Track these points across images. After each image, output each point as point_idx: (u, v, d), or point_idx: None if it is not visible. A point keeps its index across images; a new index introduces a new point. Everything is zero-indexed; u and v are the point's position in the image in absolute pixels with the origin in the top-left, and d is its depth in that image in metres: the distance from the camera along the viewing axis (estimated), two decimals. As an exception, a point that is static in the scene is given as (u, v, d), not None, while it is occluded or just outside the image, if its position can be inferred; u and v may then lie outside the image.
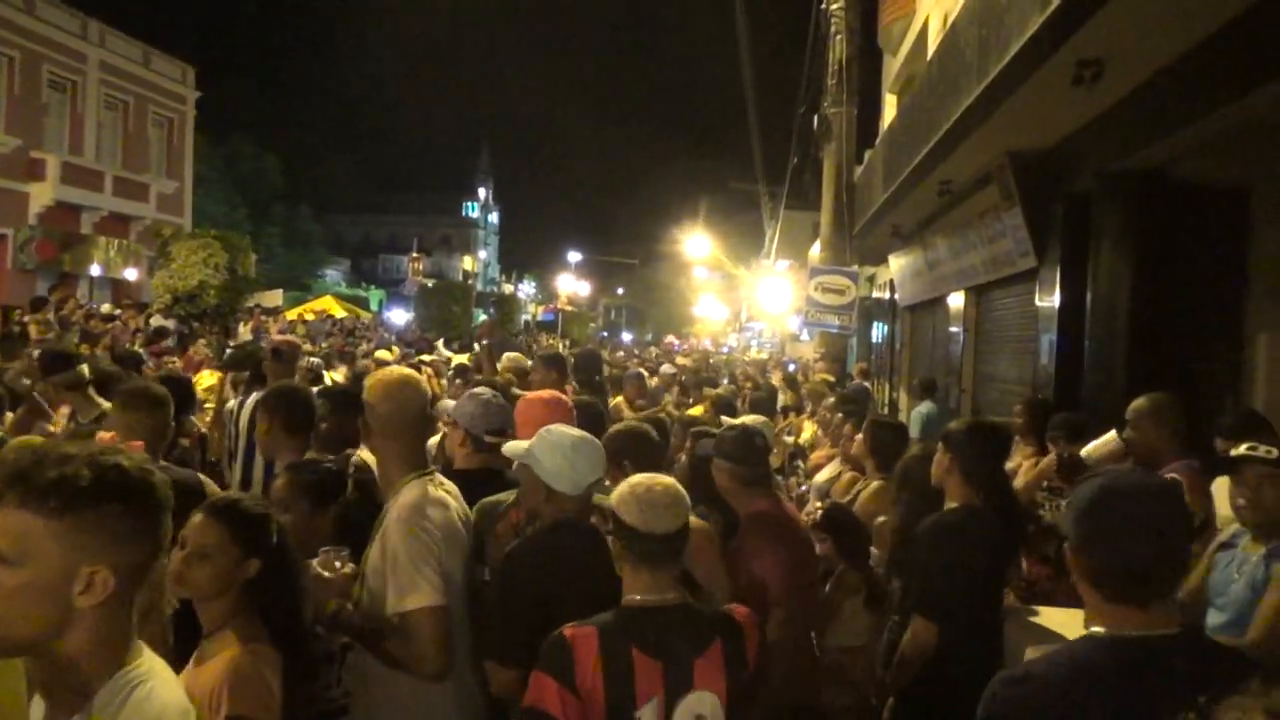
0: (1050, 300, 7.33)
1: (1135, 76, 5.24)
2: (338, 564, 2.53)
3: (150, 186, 26.76)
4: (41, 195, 23.03)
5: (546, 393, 3.79)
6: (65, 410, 5.41)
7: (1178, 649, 1.64)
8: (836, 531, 3.94)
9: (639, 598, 2.24)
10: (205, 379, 8.05)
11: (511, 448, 2.88)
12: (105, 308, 20.78)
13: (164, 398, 3.52)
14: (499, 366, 7.42)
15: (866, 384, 11.03)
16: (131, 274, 25.05)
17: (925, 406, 9.79)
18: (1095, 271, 6.77)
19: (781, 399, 10.76)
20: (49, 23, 23.61)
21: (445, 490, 2.77)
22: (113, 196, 25.04)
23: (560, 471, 2.67)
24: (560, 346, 28.64)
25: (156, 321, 16.89)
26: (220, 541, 2.26)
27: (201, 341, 13.60)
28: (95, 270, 24.32)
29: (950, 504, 3.30)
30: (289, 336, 8.56)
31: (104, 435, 3.24)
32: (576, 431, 2.84)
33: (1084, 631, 1.75)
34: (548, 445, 2.71)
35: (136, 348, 12.34)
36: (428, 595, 2.48)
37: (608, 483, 2.91)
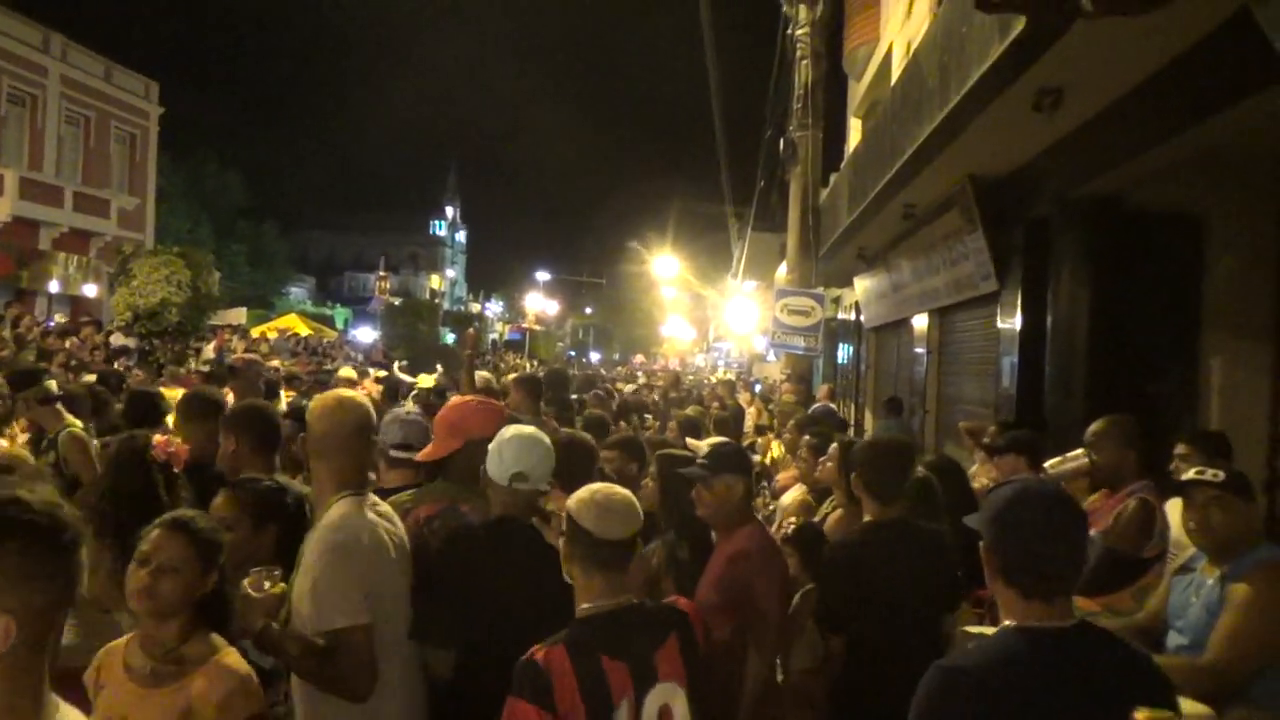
0: (1011, 323, 7.44)
1: (1093, 104, 5.35)
2: (266, 584, 2.51)
3: (111, 203, 26.37)
4: (-1, 210, 22.65)
5: (476, 398, 3.83)
6: (21, 426, 5.36)
7: (1078, 638, 1.88)
8: (806, 550, 3.93)
9: (595, 604, 2.34)
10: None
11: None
12: (57, 320, 20.45)
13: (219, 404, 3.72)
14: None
15: (832, 405, 11.09)
16: (91, 290, 24.65)
17: (884, 426, 9.98)
18: (1055, 295, 6.89)
19: (752, 418, 10.81)
20: (9, 35, 23.28)
21: (377, 511, 2.76)
22: (73, 212, 24.64)
23: (491, 460, 2.91)
24: (527, 366, 28.58)
25: (117, 339, 16.64)
26: (187, 556, 2.35)
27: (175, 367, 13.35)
28: (54, 287, 23.91)
29: (865, 518, 3.49)
30: (250, 355, 8.48)
31: (161, 439, 3.27)
32: (529, 429, 3.03)
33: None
34: (497, 442, 2.95)
35: (97, 365, 12.15)
36: (349, 615, 2.47)
37: (546, 488, 3.02)
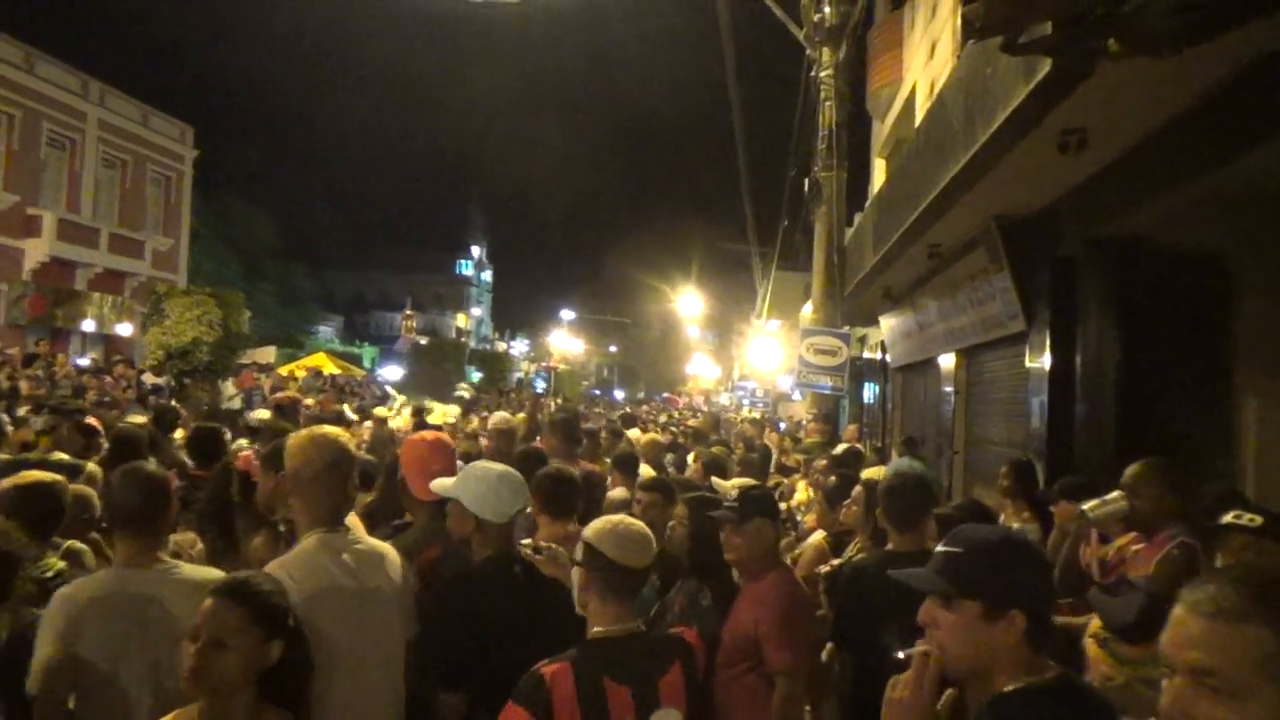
0: (1040, 363, 7.38)
1: (1119, 144, 5.35)
2: None
3: (145, 243, 26.92)
4: (37, 251, 23.17)
5: (430, 434, 4.06)
6: None
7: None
8: (836, 596, 3.88)
9: (605, 628, 2.48)
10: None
11: (439, 484, 3.21)
12: (91, 359, 20.77)
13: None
14: (491, 424, 7.48)
15: (859, 446, 11.03)
16: (125, 330, 25.08)
17: (904, 461, 9.91)
18: (1084, 335, 6.83)
19: (778, 457, 10.75)
20: (50, 81, 23.97)
21: (354, 546, 2.74)
22: (108, 253, 25.19)
23: (486, 501, 3.03)
24: (552, 404, 28.61)
25: (149, 379, 16.88)
26: (241, 626, 2.08)
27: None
28: (88, 326, 24.35)
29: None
30: (290, 393, 8.61)
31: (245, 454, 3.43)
32: (499, 466, 3.25)
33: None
34: (474, 479, 3.10)
35: (129, 402, 12.32)
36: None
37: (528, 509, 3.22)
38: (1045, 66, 4.02)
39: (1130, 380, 6.37)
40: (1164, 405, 6.20)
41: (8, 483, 3.28)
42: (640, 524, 2.65)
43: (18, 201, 22.89)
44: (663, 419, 15.02)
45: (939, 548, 1.99)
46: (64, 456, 5.50)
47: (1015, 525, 5.48)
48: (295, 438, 2.86)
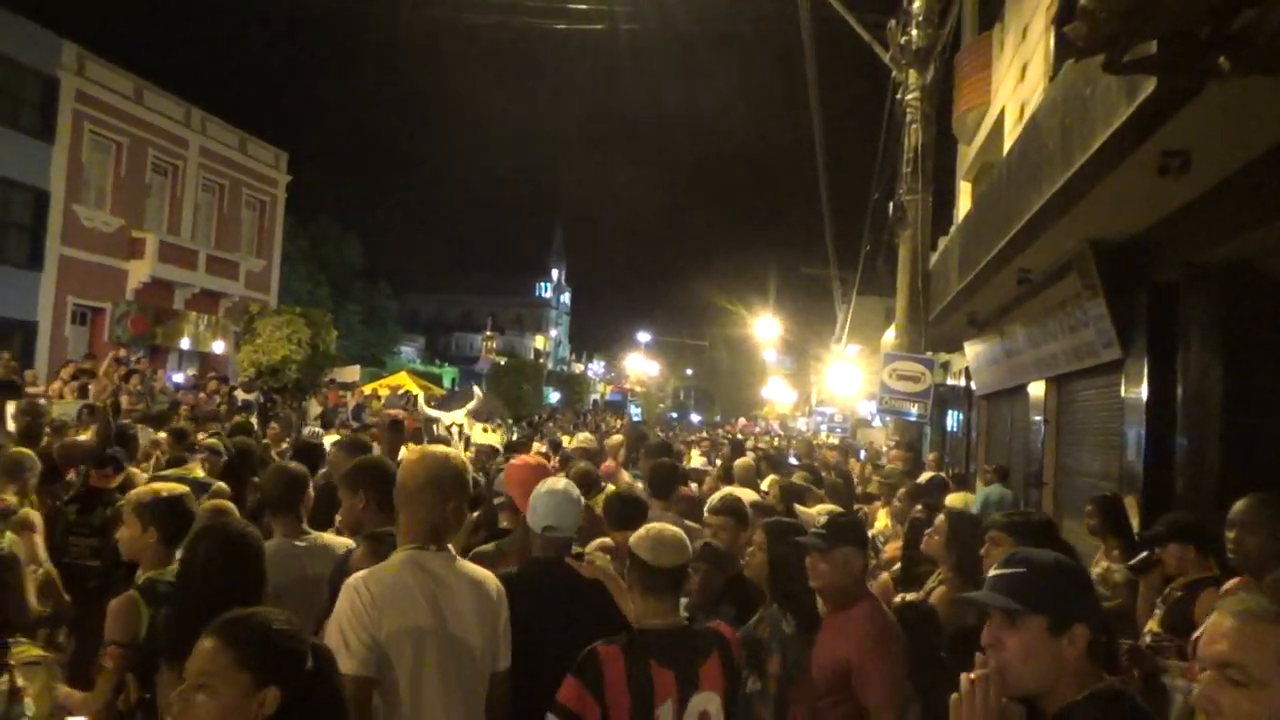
0: (1137, 393, 7.11)
1: (1223, 168, 5.15)
2: None
3: (240, 265, 27.93)
4: (139, 272, 24.21)
5: (532, 458, 4.45)
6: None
7: None
8: (910, 630, 3.75)
9: (650, 622, 2.82)
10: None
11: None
12: (184, 375, 21.57)
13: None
14: (574, 444, 7.62)
15: (943, 475, 10.76)
16: (219, 348, 26.01)
17: (995, 490, 9.66)
18: (1185, 365, 6.57)
19: (859, 485, 10.56)
20: (156, 110, 25.11)
21: (446, 566, 2.72)
22: (205, 274, 26.20)
23: (537, 517, 3.33)
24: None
25: (240, 395, 17.43)
26: (226, 668, 1.77)
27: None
28: (184, 344, 25.31)
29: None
30: (399, 411, 8.87)
31: None
32: (561, 484, 3.48)
33: None
34: (535, 496, 3.39)
35: (223, 417, 12.73)
36: (348, 664, 2.40)
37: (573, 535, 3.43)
38: (1149, 86, 3.90)
39: (1235, 412, 6.09)
40: (1272, 439, 5.91)
41: (151, 490, 3.51)
42: (675, 530, 2.97)
43: (123, 225, 23.99)
44: (752, 444, 15.15)
45: (995, 570, 2.07)
46: (200, 473, 5.81)
47: (1105, 564, 5.26)
48: (408, 455, 2.95)
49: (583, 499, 3.55)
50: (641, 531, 2.93)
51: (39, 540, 4.48)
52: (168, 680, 2.72)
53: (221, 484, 5.41)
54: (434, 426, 13.15)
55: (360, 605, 2.51)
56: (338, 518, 4.21)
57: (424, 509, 2.74)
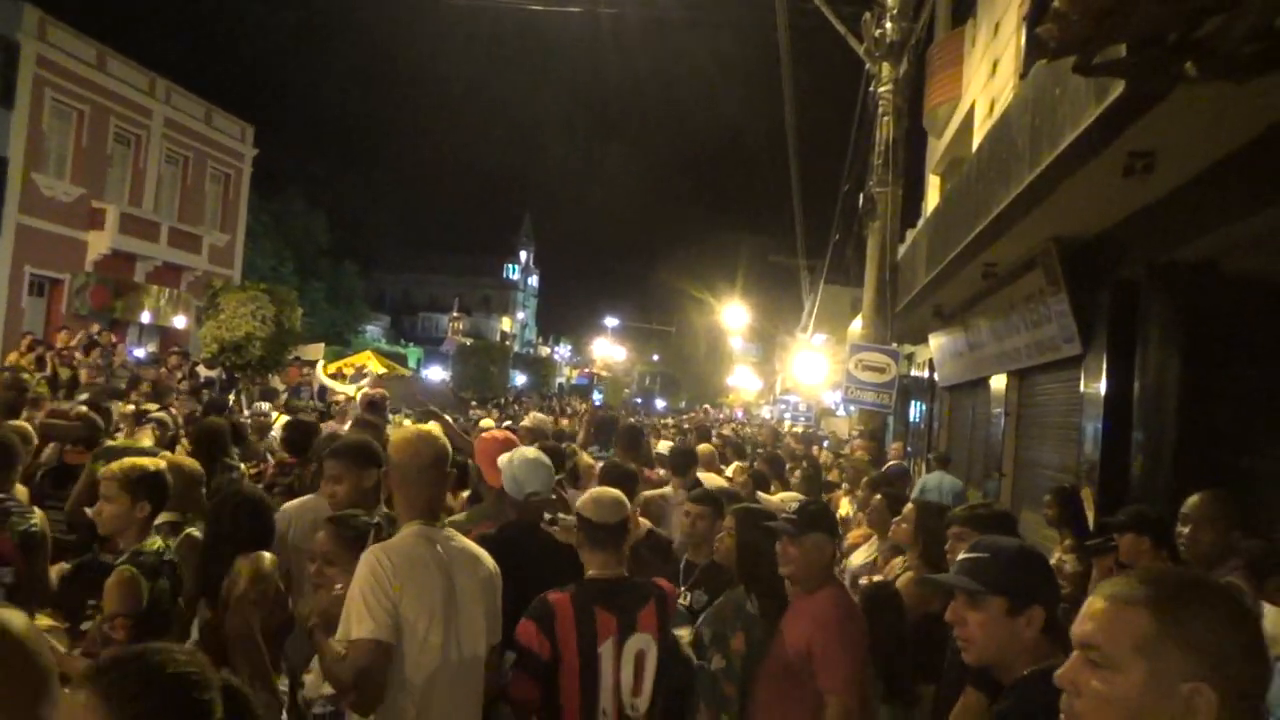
0: (1096, 388, 7.25)
1: (1188, 170, 5.26)
2: (339, 586, 2.59)
3: (203, 239, 27.51)
4: (99, 243, 23.78)
5: (500, 433, 4.76)
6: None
7: None
8: (875, 612, 3.84)
9: (596, 573, 3.19)
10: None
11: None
12: (145, 350, 21.26)
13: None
14: (523, 424, 7.72)
15: (905, 464, 10.92)
16: (180, 322, 25.64)
17: (936, 476, 10.02)
18: (1143, 361, 6.71)
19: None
20: (119, 79, 24.61)
21: (449, 542, 2.84)
22: (167, 247, 25.79)
23: (513, 483, 3.71)
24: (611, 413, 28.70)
25: (203, 371, 17.21)
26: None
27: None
28: (145, 318, 24.91)
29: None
30: (380, 390, 8.83)
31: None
32: (533, 452, 3.90)
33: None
34: (506, 463, 3.79)
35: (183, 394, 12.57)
36: (369, 628, 2.54)
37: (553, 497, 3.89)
38: (1118, 89, 3.97)
39: (1192, 409, 6.23)
40: (1227, 437, 6.06)
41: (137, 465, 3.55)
42: (614, 492, 3.39)
43: (84, 194, 23.53)
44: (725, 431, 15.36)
45: (963, 554, 2.25)
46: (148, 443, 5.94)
47: (1057, 554, 5.38)
48: (400, 437, 3.03)
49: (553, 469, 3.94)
50: (587, 495, 3.35)
51: (45, 516, 4.48)
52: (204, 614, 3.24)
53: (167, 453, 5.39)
54: (327, 395, 13.34)
55: (382, 573, 2.60)
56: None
57: (427, 486, 2.87)
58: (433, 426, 4.58)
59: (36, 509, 4.05)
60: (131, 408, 7.41)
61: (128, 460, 3.47)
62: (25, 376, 7.45)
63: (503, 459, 3.82)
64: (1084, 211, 6.45)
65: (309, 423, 6.71)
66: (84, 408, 6.33)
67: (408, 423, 11.48)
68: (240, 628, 3.02)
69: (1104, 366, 7.11)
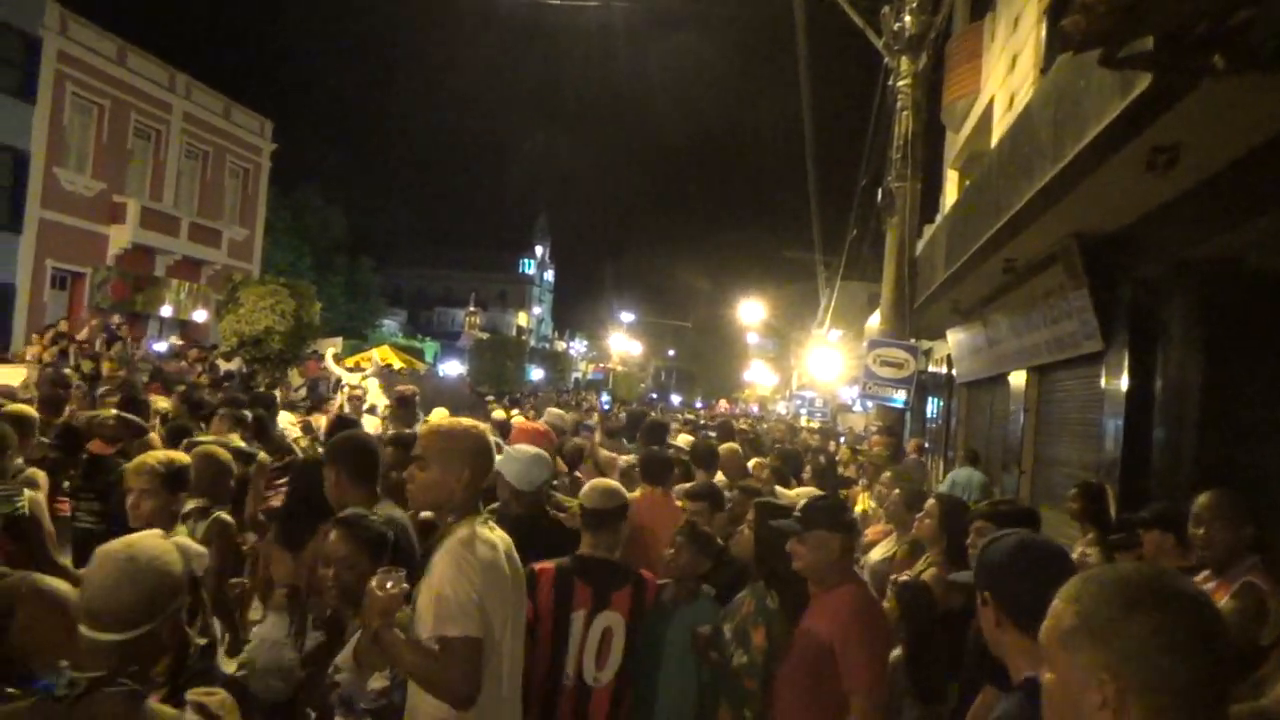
0: (1117, 384, 7.21)
1: (1211, 165, 5.21)
2: (389, 584, 2.57)
3: (223, 233, 27.68)
4: (120, 238, 23.96)
5: (532, 424, 5.39)
6: None
7: None
8: (907, 609, 3.81)
9: (586, 551, 3.52)
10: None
11: None
12: (166, 344, 21.42)
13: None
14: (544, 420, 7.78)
15: (922, 460, 10.88)
16: (200, 316, 25.80)
17: (964, 473, 10.08)
18: (1165, 358, 6.66)
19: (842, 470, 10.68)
20: (139, 74, 24.76)
21: (495, 534, 2.84)
22: (187, 241, 25.96)
23: (521, 475, 4.04)
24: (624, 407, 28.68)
25: (222, 365, 17.33)
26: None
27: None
28: (165, 311, 25.08)
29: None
30: (411, 386, 8.86)
31: None
32: (531, 449, 4.28)
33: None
34: (511, 459, 4.10)
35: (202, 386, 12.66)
36: (463, 625, 2.54)
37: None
38: (1144, 82, 3.93)
39: (1214, 406, 6.18)
40: (1250, 436, 6.00)
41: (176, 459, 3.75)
42: (611, 482, 3.84)
43: (104, 189, 23.71)
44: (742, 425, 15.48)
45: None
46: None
47: (1080, 549, 5.34)
48: (439, 430, 2.95)
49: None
50: (588, 484, 3.72)
51: (40, 499, 4.53)
52: (279, 559, 3.67)
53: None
54: (338, 381, 13.47)
55: (468, 569, 2.61)
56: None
57: (480, 479, 2.87)
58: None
59: (27, 490, 4.08)
60: (169, 403, 7.49)
61: (159, 453, 3.52)
62: (67, 372, 7.57)
63: (504, 456, 4.06)
64: (1106, 207, 6.41)
65: (352, 418, 6.79)
66: (113, 409, 6.45)
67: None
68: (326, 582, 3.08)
69: (1125, 363, 7.06)
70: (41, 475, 4.66)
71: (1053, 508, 7.86)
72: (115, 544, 2.07)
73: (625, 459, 6.38)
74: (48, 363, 10.10)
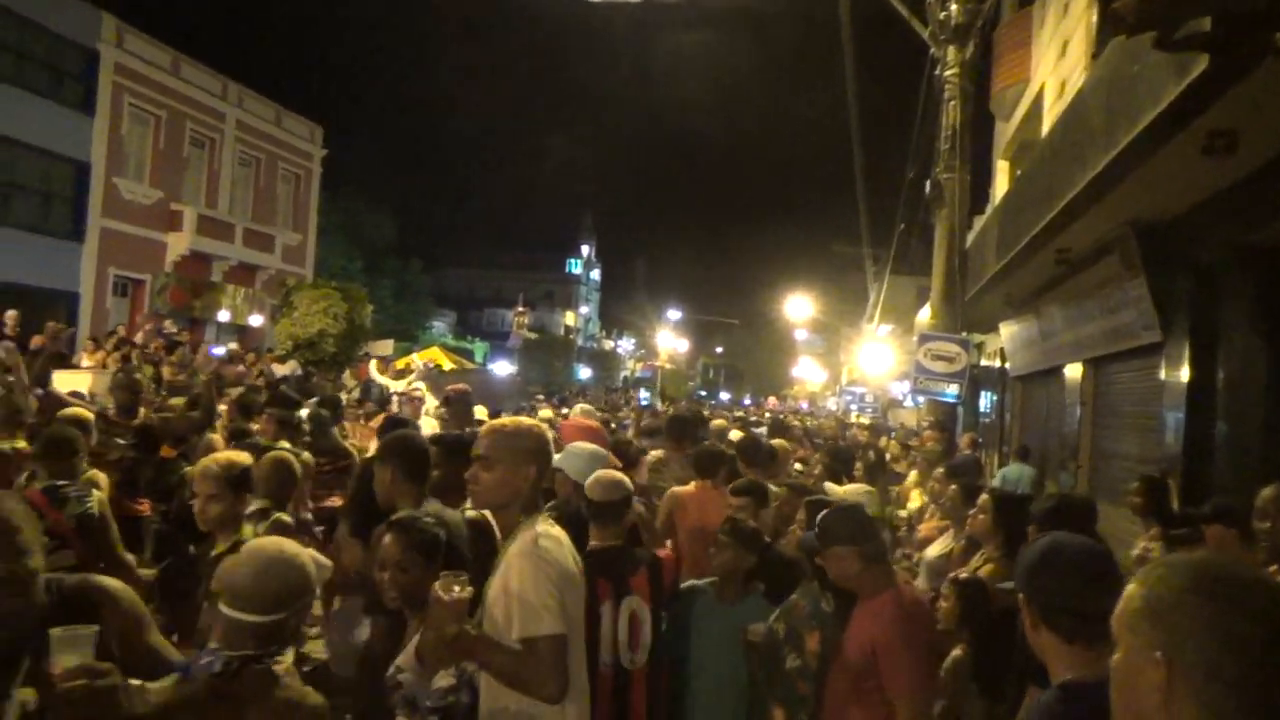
0: (1177, 376, 7.04)
1: (1271, 148, 5.06)
2: (456, 588, 2.56)
3: (276, 238, 28.18)
4: (178, 245, 24.52)
5: (583, 420, 5.39)
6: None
7: None
8: (972, 615, 3.73)
9: (596, 544, 3.60)
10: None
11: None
12: (224, 349, 21.88)
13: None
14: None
15: (977, 455, 10.71)
16: (256, 320, 26.30)
17: (1014, 469, 10.01)
18: (1227, 348, 6.49)
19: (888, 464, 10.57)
20: (193, 84, 25.32)
21: (557, 531, 2.86)
22: (242, 247, 26.47)
23: (581, 470, 4.02)
24: (658, 404, 28.73)
25: (277, 368, 17.65)
26: None
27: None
28: (223, 316, 25.62)
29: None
30: (462, 385, 8.99)
31: None
32: (590, 446, 4.40)
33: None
34: (573, 455, 4.23)
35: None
36: (549, 623, 2.58)
37: None
38: (1201, 64, 3.83)
39: (1278, 397, 6.01)
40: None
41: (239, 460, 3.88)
42: (616, 474, 3.84)
43: (162, 197, 24.28)
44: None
45: None
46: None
47: (1142, 544, 5.23)
48: (501, 430, 2.95)
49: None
50: (592, 477, 3.76)
51: (104, 501, 4.71)
52: (350, 547, 3.85)
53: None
54: (385, 392, 13.58)
55: (546, 568, 2.65)
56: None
57: (541, 477, 2.92)
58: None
59: (95, 490, 4.22)
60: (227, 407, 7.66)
61: (223, 457, 3.61)
62: (138, 377, 7.79)
63: (565, 452, 4.15)
64: (1162, 193, 6.26)
65: (405, 418, 6.89)
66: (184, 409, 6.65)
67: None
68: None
69: (1185, 353, 6.89)
70: (103, 477, 4.81)
71: (1111, 503, 7.70)
72: (264, 540, 2.56)
73: (654, 454, 6.37)
74: (117, 369, 10.39)
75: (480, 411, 8.89)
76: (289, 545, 2.41)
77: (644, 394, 38.20)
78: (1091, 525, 3.70)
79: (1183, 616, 1.28)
